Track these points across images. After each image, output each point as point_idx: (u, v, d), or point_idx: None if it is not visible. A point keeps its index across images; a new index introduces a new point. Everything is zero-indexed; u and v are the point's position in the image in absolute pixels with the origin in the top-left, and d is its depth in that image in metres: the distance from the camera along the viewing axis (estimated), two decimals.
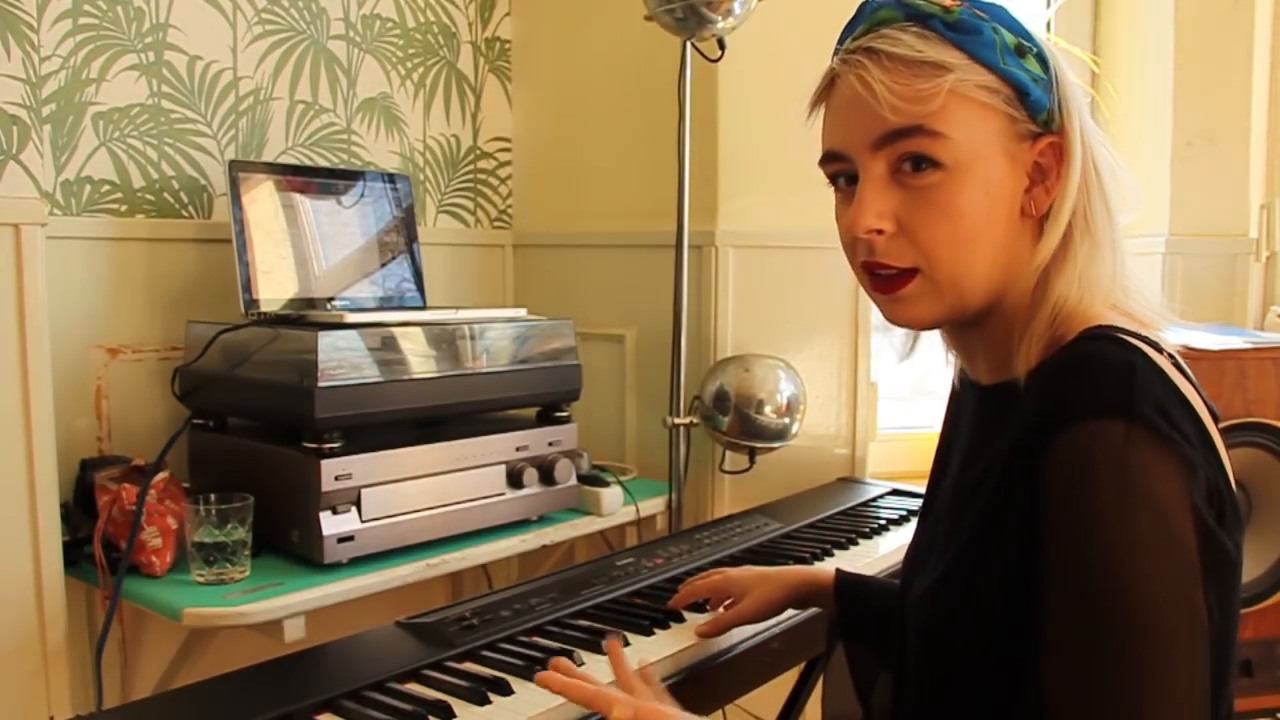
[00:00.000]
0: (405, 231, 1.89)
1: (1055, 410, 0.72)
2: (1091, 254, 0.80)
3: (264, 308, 1.62)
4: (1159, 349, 0.76)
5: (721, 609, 1.19)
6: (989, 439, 0.85)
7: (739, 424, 1.88)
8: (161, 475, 1.44)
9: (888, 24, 0.80)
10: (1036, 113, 0.80)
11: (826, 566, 1.18)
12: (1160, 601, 0.68)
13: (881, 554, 1.50)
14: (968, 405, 0.94)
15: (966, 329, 0.88)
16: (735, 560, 1.44)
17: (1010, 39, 0.79)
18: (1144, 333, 0.78)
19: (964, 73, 0.77)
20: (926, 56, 0.78)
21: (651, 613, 1.21)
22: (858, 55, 0.80)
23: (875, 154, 0.80)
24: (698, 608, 1.22)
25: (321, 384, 1.37)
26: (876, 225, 0.80)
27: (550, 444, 1.67)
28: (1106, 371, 0.72)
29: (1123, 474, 0.69)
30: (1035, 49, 0.80)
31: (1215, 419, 0.77)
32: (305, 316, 1.56)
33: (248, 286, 1.61)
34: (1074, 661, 0.71)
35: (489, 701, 0.97)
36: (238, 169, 1.64)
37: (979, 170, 0.79)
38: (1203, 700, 0.69)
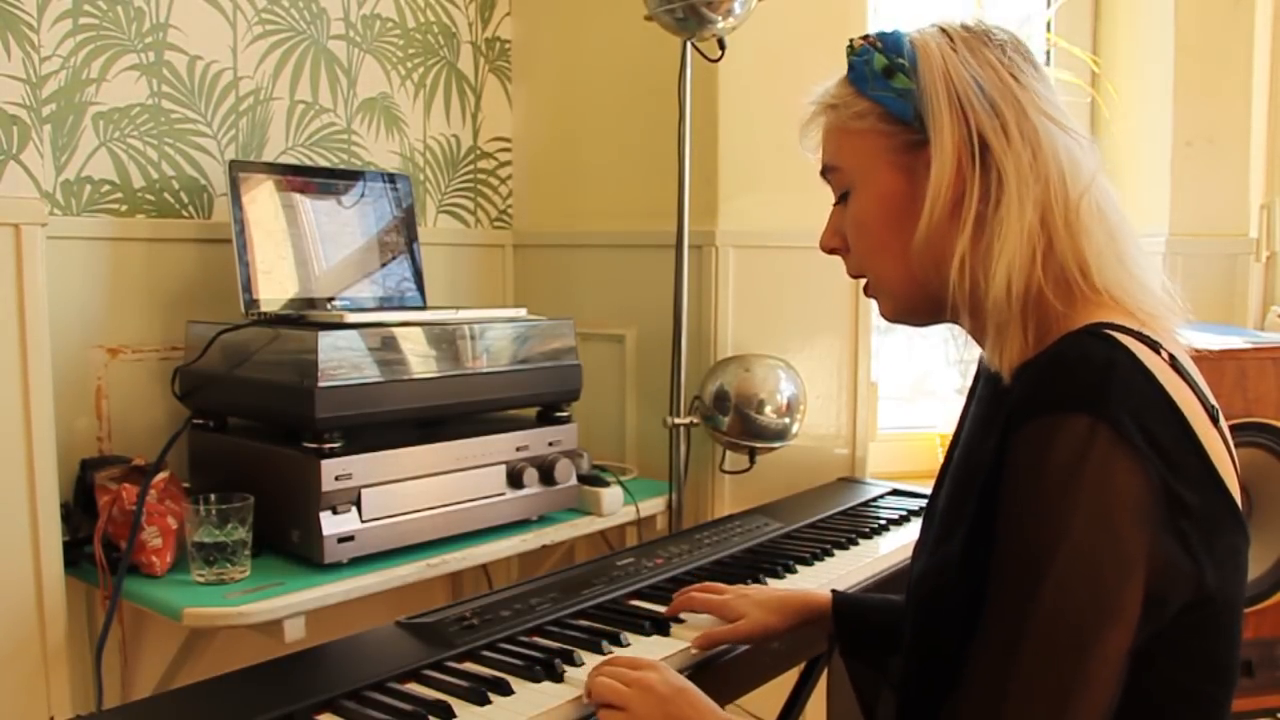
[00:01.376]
0: (405, 231, 1.89)
1: (1027, 402, 0.75)
2: (985, 235, 0.83)
3: (264, 308, 1.62)
4: (1157, 348, 0.77)
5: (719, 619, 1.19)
6: (990, 429, 0.86)
7: (739, 424, 1.88)
8: (161, 475, 1.44)
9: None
10: (906, 121, 0.87)
11: (823, 590, 1.19)
12: (1075, 598, 0.70)
13: (881, 554, 1.50)
14: (980, 394, 0.97)
15: (960, 319, 0.91)
16: (736, 560, 1.44)
17: (880, 63, 0.89)
18: (1145, 331, 0.78)
19: (841, 109, 0.91)
20: (821, 101, 0.94)
21: (651, 614, 1.21)
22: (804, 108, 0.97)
23: (829, 184, 0.96)
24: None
25: (321, 384, 1.37)
26: (830, 244, 0.97)
27: (550, 444, 1.67)
28: (1083, 367, 0.74)
29: (1073, 469, 0.71)
30: (905, 63, 0.87)
31: (1215, 420, 0.78)
32: (305, 316, 1.56)
33: (248, 286, 1.61)
34: (991, 645, 0.73)
35: (489, 701, 0.97)
36: (238, 169, 1.64)
37: (870, 187, 0.91)
38: (1104, 695, 0.71)
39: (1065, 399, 0.72)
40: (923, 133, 0.86)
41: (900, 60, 0.87)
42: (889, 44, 0.89)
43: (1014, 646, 0.71)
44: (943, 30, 0.88)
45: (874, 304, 0.97)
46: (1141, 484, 0.70)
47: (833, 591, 1.18)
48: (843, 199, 0.94)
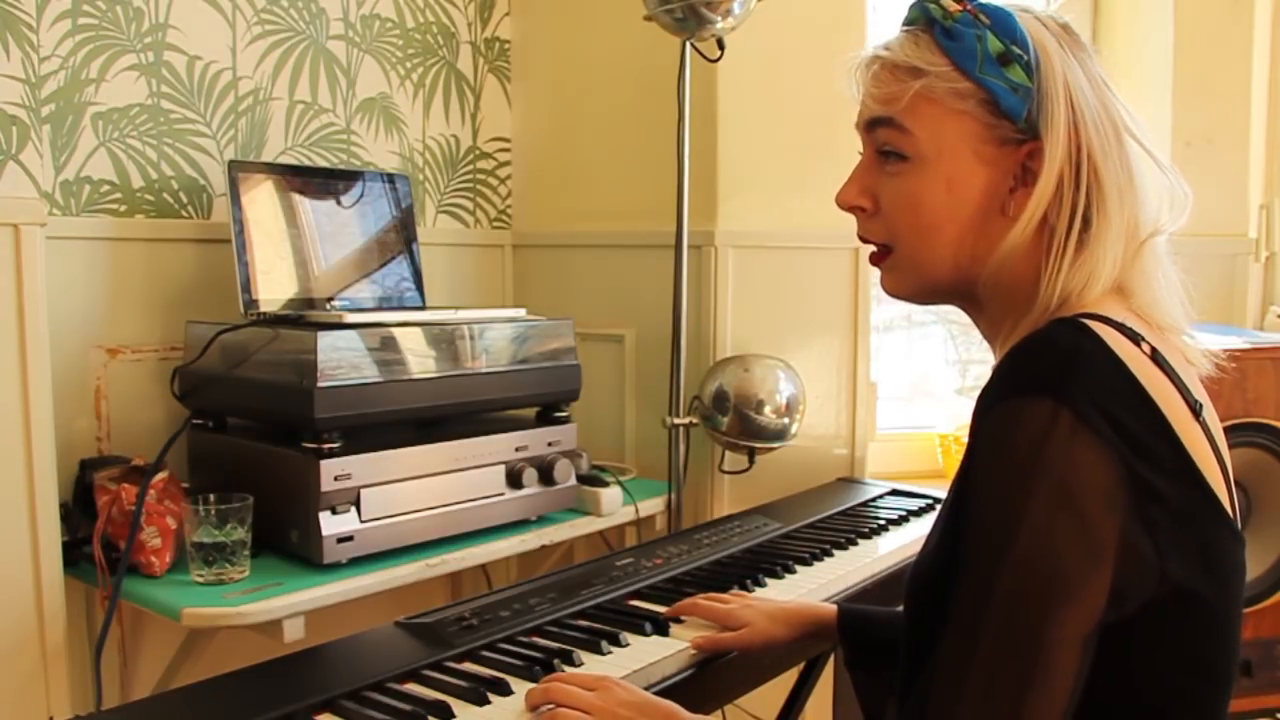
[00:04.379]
0: (404, 232, 1.89)
1: (994, 387, 0.75)
2: (1082, 259, 0.81)
3: (263, 308, 1.61)
4: (1138, 341, 0.77)
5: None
6: None
7: (738, 424, 1.88)
8: (161, 475, 1.44)
9: (911, 24, 0.87)
10: (1014, 119, 0.82)
11: (827, 605, 1.18)
12: (1033, 580, 0.70)
13: (881, 554, 1.49)
14: None
15: (972, 308, 0.91)
16: (735, 560, 1.44)
17: (995, 47, 0.82)
18: (1131, 323, 0.79)
19: (937, 78, 0.83)
20: (907, 61, 0.85)
21: (650, 614, 1.20)
22: (870, 54, 0.88)
23: (868, 137, 0.89)
24: None
25: (321, 384, 1.37)
26: (856, 202, 0.90)
27: (550, 444, 1.67)
28: (1049, 353, 0.74)
29: (1036, 450, 0.70)
30: (1025, 57, 0.82)
31: (1196, 414, 0.78)
32: (305, 317, 1.56)
33: (247, 286, 1.61)
34: (954, 628, 0.73)
35: (488, 701, 0.97)
36: (237, 169, 1.64)
37: (943, 167, 0.84)
38: (1065, 679, 0.70)
39: (1029, 383, 0.73)
40: (1027, 135, 0.82)
41: (1018, 50, 0.82)
42: (1001, 25, 0.83)
43: (975, 630, 0.72)
44: (1040, 22, 0.84)
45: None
46: (1106, 470, 0.70)
47: (838, 605, 1.17)
48: (886, 156, 0.87)
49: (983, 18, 0.83)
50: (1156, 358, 0.78)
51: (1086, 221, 0.81)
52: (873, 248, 0.91)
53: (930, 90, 0.83)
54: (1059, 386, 0.71)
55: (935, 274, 0.87)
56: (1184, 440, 0.74)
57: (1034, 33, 0.83)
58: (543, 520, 1.68)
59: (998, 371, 0.77)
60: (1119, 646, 0.74)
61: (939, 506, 0.97)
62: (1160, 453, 0.72)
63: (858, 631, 1.14)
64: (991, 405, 0.74)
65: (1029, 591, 0.70)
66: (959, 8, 0.84)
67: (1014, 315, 0.83)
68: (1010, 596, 0.70)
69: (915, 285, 0.90)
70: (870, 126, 0.88)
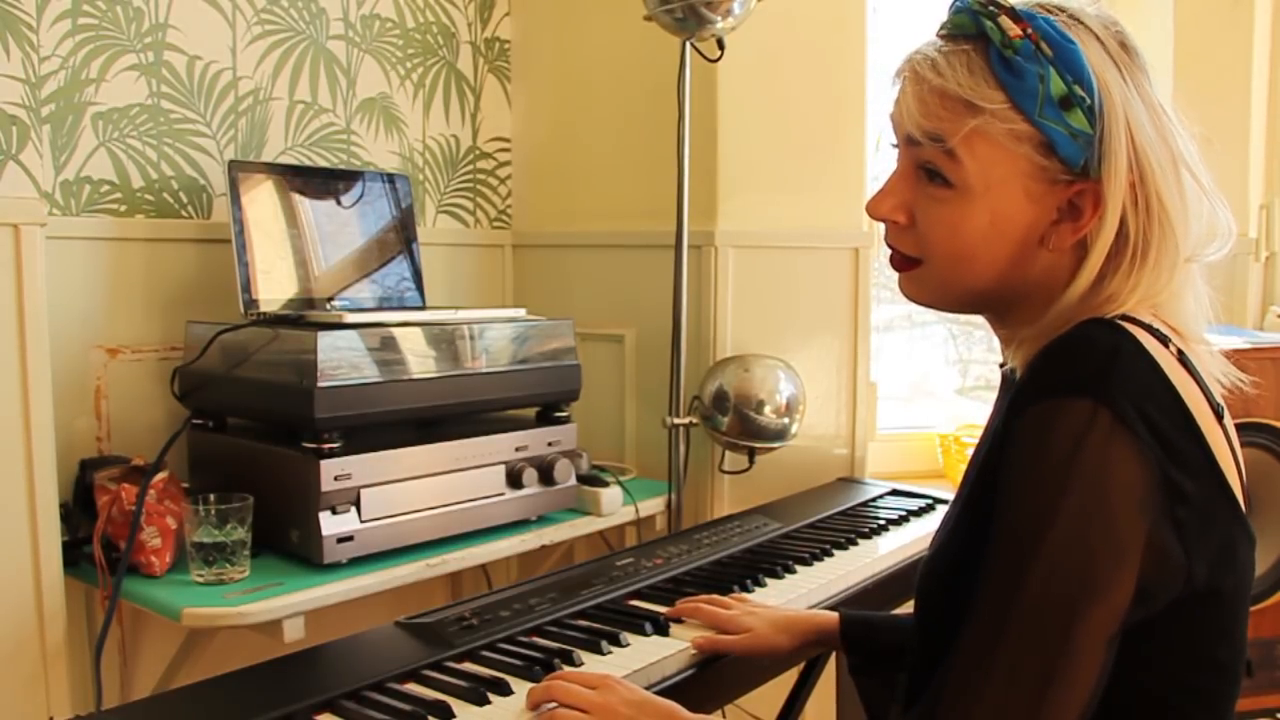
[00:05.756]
0: (404, 231, 1.89)
1: (1031, 386, 0.75)
2: (1137, 282, 0.80)
3: (263, 308, 1.61)
4: (1165, 342, 0.78)
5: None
6: (1000, 415, 0.87)
7: (738, 424, 1.88)
8: (161, 475, 1.44)
9: (958, 32, 0.82)
10: (1069, 165, 0.79)
11: (829, 613, 1.18)
12: (1064, 579, 0.70)
13: (881, 554, 1.49)
14: (1002, 388, 0.97)
15: (992, 315, 0.91)
16: (735, 560, 1.44)
17: (1058, 89, 0.78)
18: (1155, 324, 0.79)
19: (993, 117, 0.79)
20: (962, 94, 0.80)
21: (651, 614, 1.20)
22: (916, 63, 0.83)
23: (907, 148, 0.85)
24: None
25: (321, 384, 1.37)
26: (891, 217, 0.87)
27: (550, 444, 1.67)
28: (1089, 353, 0.75)
29: (1074, 450, 0.71)
30: (1088, 101, 0.78)
31: (1219, 416, 0.78)
32: (305, 317, 1.56)
33: (247, 286, 1.61)
34: (979, 621, 0.73)
35: (488, 702, 0.97)
36: (237, 169, 1.64)
37: (989, 201, 0.81)
38: (1087, 678, 0.71)
39: (1068, 383, 0.73)
40: (1082, 179, 0.79)
41: (1081, 93, 0.78)
42: (1064, 60, 0.78)
43: (1001, 624, 0.72)
44: (1101, 43, 0.80)
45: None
46: (1140, 471, 0.71)
47: (840, 613, 1.17)
48: (930, 176, 0.84)
49: (1045, 48, 0.78)
50: (1183, 359, 0.78)
51: (1140, 249, 0.80)
52: (898, 255, 0.89)
53: (985, 129, 0.79)
54: (1098, 387, 0.71)
55: (961, 294, 0.87)
56: (1209, 441, 0.75)
57: (1096, 66, 0.79)
58: (543, 520, 1.68)
59: (1034, 370, 0.76)
60: (1139, 644, 0.74)
61: (944, 505, 0.97)
62: (1189, 454, 0.73)
63: (860, 638, 1.14)
64: (1028, 405, 0.74)
65: (1058, 591, 0.70)
66: (1019, 32, 0.78)
67: (1041, 322, 0.82)
68: (1039, 595, 0.71)
69: (939, 300, 0.90)
70: (914, 142, 0.84)
